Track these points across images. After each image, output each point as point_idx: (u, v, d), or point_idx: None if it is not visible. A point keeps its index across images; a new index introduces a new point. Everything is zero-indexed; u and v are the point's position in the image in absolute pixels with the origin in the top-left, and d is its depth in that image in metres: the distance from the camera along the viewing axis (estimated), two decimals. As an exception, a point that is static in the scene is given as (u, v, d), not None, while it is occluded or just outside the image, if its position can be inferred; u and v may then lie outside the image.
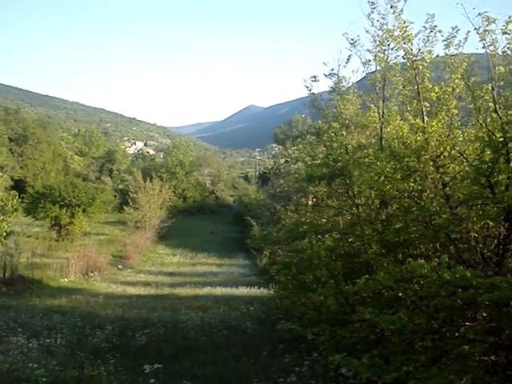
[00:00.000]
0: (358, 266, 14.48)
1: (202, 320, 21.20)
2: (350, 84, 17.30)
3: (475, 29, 11.31)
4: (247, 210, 63.56)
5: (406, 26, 12.68)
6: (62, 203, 49.54)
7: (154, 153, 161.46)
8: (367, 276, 10.34)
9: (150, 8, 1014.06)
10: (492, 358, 9.39)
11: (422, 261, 8.69)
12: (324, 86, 17.70)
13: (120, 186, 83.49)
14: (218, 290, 32.75)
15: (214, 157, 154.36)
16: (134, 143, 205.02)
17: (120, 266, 43.88)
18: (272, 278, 22.40)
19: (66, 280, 33.99)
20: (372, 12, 14.34)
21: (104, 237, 55.82)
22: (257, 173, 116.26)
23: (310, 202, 22.83)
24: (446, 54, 12.76)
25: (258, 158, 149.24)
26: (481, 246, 10.21)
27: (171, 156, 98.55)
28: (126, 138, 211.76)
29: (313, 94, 17.37)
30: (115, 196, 70.83)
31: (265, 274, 32.65)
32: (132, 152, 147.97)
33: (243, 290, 32.81)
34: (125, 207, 60.64)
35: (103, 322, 19.81)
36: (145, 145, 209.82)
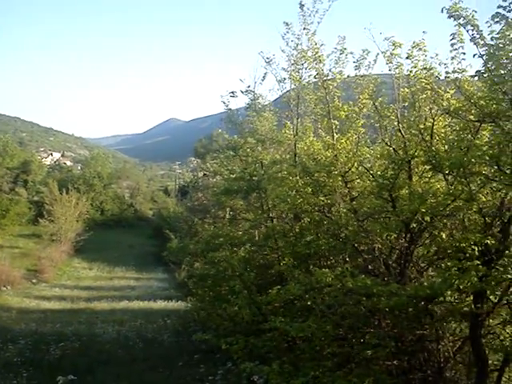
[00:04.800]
0: (273, 277, 14.93)
1: (119, 333, 21.11)
2: (267, 102, 17.82)
3: (382, 52, 11.98)
4: (166, 223, 63.09)
5: (318, 48, 13.32)
6: (-27, 215, 47.86)
7: (72, 164, 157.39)
8: (279, 286, 10.76)
9: (68, 15, 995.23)
10: (395, 362, 9.99)
11: (327, 270, 9.17)
12: (242, 101, 18.14)
13: (35, 198, 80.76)
14: (136, 304, 32.52)
15: (134, 169, 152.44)
16: (51, 154, 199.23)
17: (34, 281, 42.68)
18: (190, 291, 22.55)
19: (-23, 294, 32.91)
20: (287, 32, 14.88)
21: (18, 250, 53.95)
22: (176, 186, 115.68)
23: (227, 215, 23.18)
24: (356, 75, 13.43)
25: (178, 171, 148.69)
26: (384, 256, 10.82)
27: (89, 168, 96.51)
28: (42, 149, 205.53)
29: (230, 109, 17.83)
30: (30, 208, 68.87)
31: (183, 287, 32.66)
32: (48, 163, 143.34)
33: (161, 304, 32.73)
34: (40, 220, 58.96)
35: (16, 337, 19.41)
36: (62, 156, 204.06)
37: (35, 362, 15.34)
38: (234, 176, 17.90)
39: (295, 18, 14.43)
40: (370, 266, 11.27)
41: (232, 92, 17.58)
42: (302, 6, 14.35)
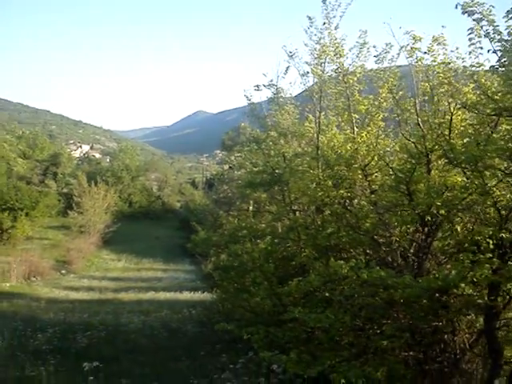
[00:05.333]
0: (295, 268, 15.14)
1: (144, 323, 21.56)
2: (288, 95, 18.00)
3: (402, 47, 12.09)
4: (193, 215, 63.54)
5: (339, 43, 13.46)
6: (4, 207, 48.75)
7: (101, 156, 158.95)
8: (300, 278, 10.97)
9: (94, 7, 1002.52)
10: (411, 353, 10.16)
11: (342, 261, 9.35)
12: (266, 94, 18.39)
13: (64, 190, 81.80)
14: (162, 295, 33.00)
15: (162, 162, 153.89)
16: (80, 146, 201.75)
17: (63, 271, 43.54)
18: (215, 282, 22.86)
19: (8, 284, 33.65)
20: (310, 26, 15.01)
21: (47, 241, 54.89)
22: (204, 178, 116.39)
23: (250, 208, 23.43)
24: (378, 68, 13.53)
25: (205, 163, 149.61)
26: (402, 249, 10.97)
27: (117, 160, 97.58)
28: (71, 141, 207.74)
29: (252, 103, 18.08)
30: (59, 200, 69.92)
31: (209, 279, 33.01)
32: (77, 155, 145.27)
33: (187, 295, 33.17)
34: (69, 211, 59.93)
35: (45, 326, 19.93)
36: (91, 148, 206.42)
37: (63, 350, 15.78)
38: (256, 169, 18.14)
39: (319, 12, 14.59)
40: (388, 258, 11.42)
41: (257, 85, 17.79)
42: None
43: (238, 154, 27.94)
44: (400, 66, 13.45)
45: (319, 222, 14.35)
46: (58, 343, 16.99)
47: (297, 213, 16.32)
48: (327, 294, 10.66)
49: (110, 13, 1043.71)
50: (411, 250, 10.98)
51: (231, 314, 18.48)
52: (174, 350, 15.88)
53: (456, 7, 8.61)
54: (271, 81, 17.39)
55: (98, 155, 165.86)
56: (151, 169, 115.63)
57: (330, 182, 12.81)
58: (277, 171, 16.26)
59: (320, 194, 12.98)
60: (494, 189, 8.82)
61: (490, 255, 8.16)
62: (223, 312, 20.81)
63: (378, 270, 8.64)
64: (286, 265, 15.42)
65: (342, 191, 12.62)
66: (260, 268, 13.03)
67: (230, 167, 43.67)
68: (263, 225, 18.19)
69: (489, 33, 8.51)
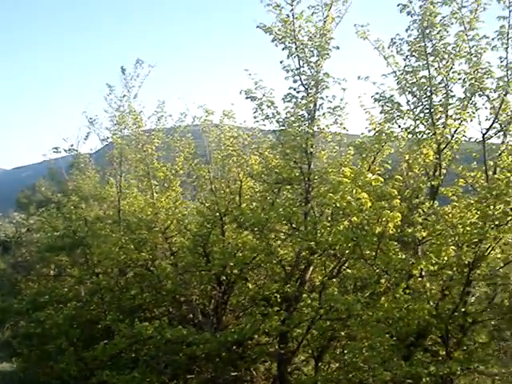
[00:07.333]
0: (99, 331, 15.26)
1: None
2: (89, 160, 18.25)
3: (194, 117, 13.29)
4: (-15, 281, 59.37)
5: (137, 114, 14.25)
6: None
7: None
8: (106, 341, 11.31)
9: None
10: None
11: (146, 323, 9.96)
12: (66, 155, 18.38)
13: None
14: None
15: None
16: None
17: None
18: (15, 351, 21.87)
19: None
20: (110, 94, 15.61)
21: None
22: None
23: (52, 272, 22.94)
24: (173, 139, 14.40)
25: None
26: (202, 306, 11.85)
27: None
28: None
29: (52, 168, 18.17)
30: None
31: (7, 347, 31.16)
32: None
33: (-18, 367, 30.93)
34: None
35: None
36: None
37: None
38: (58, 233, 18.02)
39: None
40: (190, 315, 12.19)
41: (55, 148, 17.78)
42: (123, 70, 15.25)
43: (37, 218, 27.22)
44: (197, 126, 14.44)
45: (123, 284, 14.73)
46: None
47: (100, 275, 16.47)
48: (134, 355, 11.13)
49: None
50: (211, 307, 11.89)
51: (35, 382, 17.88)
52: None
53: (240, 93, 9.81)
54: (72, 145, 17.55)
55: None
56: None
57: (132, 245, 13.36)
58: (78, 235, 16.34)
59: (123, 256, 13.48)
60: (279, 249, 10.08)
61: (278, 308, 9.26)
62: (26, 381, 19.98)
63: (180, 329, 9.38)
64: (91, 328, 15.47)
65: (144, 253, 13.24)
66: (65, 334, 13.07)
67: (28, 229, 41.98)
68: (66, 289, 17.99)
69: (268, 116, 9.78)
